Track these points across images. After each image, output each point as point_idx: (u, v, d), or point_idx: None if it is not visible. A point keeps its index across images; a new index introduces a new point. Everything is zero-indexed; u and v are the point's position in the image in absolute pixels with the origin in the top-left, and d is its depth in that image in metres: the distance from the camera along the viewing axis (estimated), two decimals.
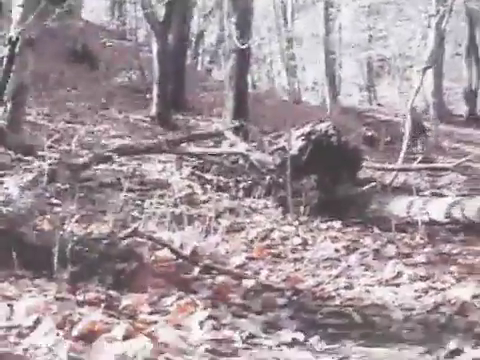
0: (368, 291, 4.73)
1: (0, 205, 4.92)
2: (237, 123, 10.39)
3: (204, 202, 7.19)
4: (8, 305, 3.49)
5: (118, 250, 4.49)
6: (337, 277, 5.05)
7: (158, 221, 5.97)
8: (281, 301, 4.35)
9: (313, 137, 7.55)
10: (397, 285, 4.90)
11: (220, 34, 22.96)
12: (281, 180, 7.40)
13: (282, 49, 22.02)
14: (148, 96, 15.42)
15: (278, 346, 3.56)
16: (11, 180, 5.92)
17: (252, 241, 6.07)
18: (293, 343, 3.62)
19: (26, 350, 3.03)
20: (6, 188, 5.64)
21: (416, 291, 4.72)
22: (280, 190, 7.39)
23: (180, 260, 4.90)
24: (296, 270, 5.26)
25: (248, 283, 4.56)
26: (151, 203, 6.81)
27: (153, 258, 4.85)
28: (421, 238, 6.35)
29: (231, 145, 9.24)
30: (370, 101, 30.89)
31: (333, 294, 4.63)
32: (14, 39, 8.82)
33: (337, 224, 6.78)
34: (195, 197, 7.40)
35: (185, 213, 6.16)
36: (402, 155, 10.62)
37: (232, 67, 14.00)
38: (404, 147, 11.02)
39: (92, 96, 15.13)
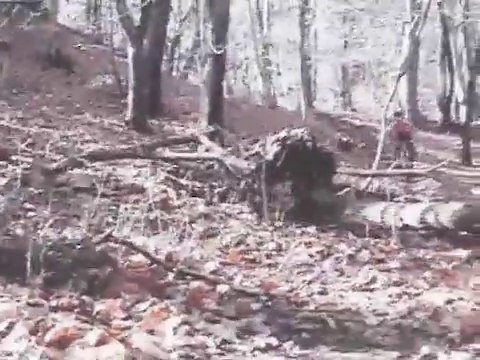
0: (342, 296, 4.75)
1: None
2: (212, 128, 10.39)
3: (179, 207, 7.17)
4: None
5: (92, 255, 4.45)
6: (311, 282, 5.06)
7: (132, 226, 5.94)
8: (255, 306, 4.35)
9: (288, 142, 7.55)
10: (371, 290, 4.91)
11: (196, 39, 22.94)
12: (256, 185, 7.40)
13: (258, 55, 22.05)
14: (123, 101, 15.37)
15: (252, 351, 3.56)
16: None
17: (227, 246, 6.06)
18: (267, 348, 3.63)
19: None
20: None
21: (390, 296, 4.74)
22: (255, 195, 7.39)
23: (154, 265, 4.88)
24: (270, 275, 5.26)
25: (222, 288, 4.55)
26: (126, 208, 6.78)
27: (127, 263, 4.84)
28: (395, 244, 6.38)
29: (206, 150, 9.24)
30: (345, 107, 31.04)
31: (307, 299, 4.63)
32: None
33: (312, 229, 6.79)
34: (170, 202, 7.37)
35: (160, 218, 6.14)
36: (377, 161, 10.67)
37: (208, 72, 13.99)
38: (379, 152, 11.07)
39: (67, 100, 15.06)
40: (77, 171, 7.88)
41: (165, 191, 7.74)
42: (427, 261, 5.85)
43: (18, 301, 3.71)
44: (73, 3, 27.77)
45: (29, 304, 3.68)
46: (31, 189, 6.40)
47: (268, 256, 5.82)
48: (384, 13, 25.10)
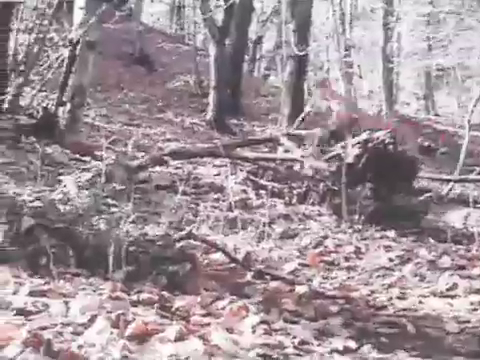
0: (422, 302, 4.68)
1: (58, 203, 5.00)
2: (293, 129, 10.36)
3: (258, 207, 7.19)
4: (64, 302, 3.54)
5: (172, 252, 4.51)
6: (390, 287, 5.01)
7: (212, 225, 6.00)
8: (334, 309, 4.33)
9: (369, 145, 7.50)
10: (452, 297, 4.83)
11: (278, 40, 22.95)
12: (336, 187, 7.36)
13: (340, 56, 21.88)
14: (204, 100, 15.51)
15: (330, 353, 3.54)
16: (69, 179, 6.00)
17: (305, 248, 6.06)
18: (345, 351, 3.60)
19: (81, 347, 3.06)
20: (64, 187, 5.73)
21: (471, 304, 4.65)
22: (335, 197, 7.36)
23: (233, 264, 4.91)
24: (349, 278, 5.23)
25: (301, 289, 4.54)
26: (205, 206, 6.85)
27: (206, 261, 4.88)
28: (477, 250, 6.26)
29: (286, 151, 9.23)
30: (428, 111, 30.57)
31: (386, 303, 4.59)
32: (75, 41, 8.95)
33: (391, 233, 6.72)
34: (249, 202, 7.40)
35: (239, 217, 6.17)
36: (460, 166, 10.48)
37: (289, 73, 14.01)
38: (462, 158, 10.86)
39: (149, 99, 15.28)
40: (158, 169, 7.99)
41: (244, 191, 7.77)
42: None
43: (100, 294, 3.77)
44: (157, 3, 28.10)
45: (111, 298, 3.75)
46: (113, 185, 6.51)
47: (347, 259, 5.79)
48: (470, 16, 24.64)
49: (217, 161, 9.05)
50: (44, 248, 4.12)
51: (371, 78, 28.10)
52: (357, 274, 5.34)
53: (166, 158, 8.17)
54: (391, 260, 5.78)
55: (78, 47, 8.90)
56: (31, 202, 4.94)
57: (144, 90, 15.89)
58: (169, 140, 11.41)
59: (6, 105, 8.26)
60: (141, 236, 4.76)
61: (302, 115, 11.03)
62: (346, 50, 25.42)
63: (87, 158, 7.70)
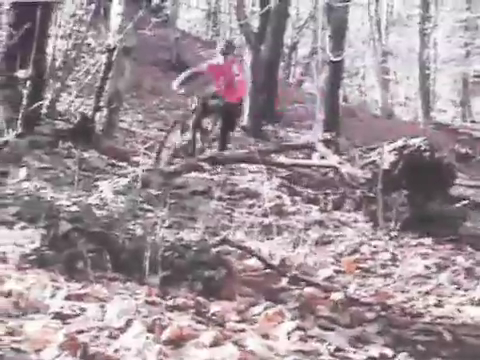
0: (459, 310, 4.63)
1: (95, 208, 5.04)
2: (328, 136, 10.34)
3: (293, 213, 7.18)
4: (100, 306, 3.56)
5: (208, 257, 4.51)
6: (427, 294, 4.96)
7: (247, 230, 5.99)
8: (370, 316, 4.30)
9: (405, 152, 7.45)
10: None
11: (313, 46, 22.93)
12: (371, 194, 7.33)
13: (376, 63, 21.83)
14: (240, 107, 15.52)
15: None
16: (105, 184, 6.05)
17: (341, 254, 6.03)
18: (381, 358, 3.58)
19: (117, 351, 3.08)
20: (101, 192, 5.78)
21: None
22: (370, 204, 7.32)
23: (268, 270, 4.90)
24: (385, 285, 5.19)
25: (336, 296, 4.52)
26: (241, 212, 6.86)
27: (241, 267, 4.87)
28: None
29: (321, 157, 9.22)
30: (464, 117, 30.32)
31: (423, 311, 4.55)
32: (112, 47, 9.03)
33: (428, 241, 6.67)
34: (284, 208, 7.39)
35: (274, 224, 6.16)
36: None
37: (325, 80, 13.99)
38: None
39: (185, 104, 15.32)
40: (194, 174, 8.01)
41: (280, 197, 7.76)
42: None
43: (136, 299, 3.79)
44: (193, 9, 28.23)
45: (147, 302, 3.76)
46: (150, 190, 6.54)
47: (383, 266, 5.75)
48: None
49: (252, 167, 9.05)
50: (81, 252, 4.15)
51: (407, 85, 27.95)
52: (393, 281, 5.30)
53: (202, 164, 8.20)
54: (428, 267, 5.73)
55: (115, 53, 8.98)
56: (68, 207, 4.98)
57: (179, 96, 15.92)
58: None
59: (44, 110, 8.34)
60: (177, 241, 4.78)
61: None
62: (382, 56, 25.34)
63: (123, 163, 7.76)
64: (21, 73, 7.63)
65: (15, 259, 4.12)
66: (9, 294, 3.52)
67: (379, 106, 25.64)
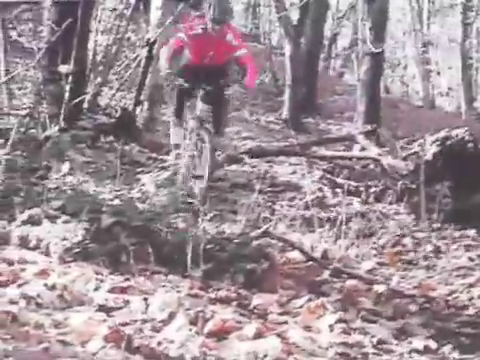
0: None
1: (137, 202, 5.07)
2: (369, 127, 10.28)
3: (334, 206, 7.15)
4: (144, 299, 3.58)
5: (249, 250, 4.52)
6: (471, 286, 4.91)
7: (288, 223, 5.99)
8: (413, 308, 4.28)
9: (448, 143, 7.38)
10: None
11: (353, 38, 22.78)
12: (414, 186, 7.27)
13: (417, 53, 21.64)
14: (280, 99, 15.51)
15: (409, 353, 3.50)
16: (147, 178, 6.09)
17: (383, 247, 6.00)
18: (425, 351, 3.55)
19: (160, 343, 3.10)
20: (142, 185, 5.82)
21: None
22: (412, 196, 7.26)
23: (310, 262, 4.89)
24: (428, 277, 5.15)
25: (379, 288, 4.50)
26: (282, 205, 6.85)
27: (283, 259, 4.87)
28: None
29: (362, 149, 9.17)
30: None
31: (467, 303, 4.51)
32: (152, 41, 9.07)
33: (471, 232, 6.59)
34: (325, 200, 7.37)
35: (315, 216, 6.14)
36: None
37: (365, 71, 13.88)
38: None
39: None
40: (234, 167, 8.03)
41: (321, 189, 7.74)
42: None
43: (179, 292, 3.81)
44: (233, 2, 28.23)
45: (189, 295, 3.78)
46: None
47: (426, 258, 5.71)
48: None
49: (293, 160, 9.04)
50: (124, 246, 4.19)
51: (450, 75, 27.66)
52: (436, 273, 5.26)
53: (242, 156, 8.21)
54: (471, 259, 5.67)
55: (155, 47, 9.01)
56: (111, 200, 5.02)
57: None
58: (245, 139, 11.45)
59: (86, 105, 8.42)
60: (218, 234, 4.80)
61: None
62: (423, 47, 25.11)
63: (165, 157, 7.79)
64: (63, 68, 7.71)
65: (59, 252, 4.17)
66: (54, 287, 3.56)
67: (421, 97, 25.42)
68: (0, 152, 5.42)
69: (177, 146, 7.35)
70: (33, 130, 7.13)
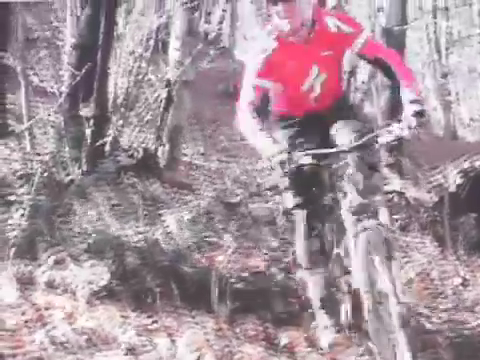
0: None
1: (161, 241, 5.08)
2: (391, 158, 10.24)
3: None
4: (171, 340, 3.57)
5: (275, 286, 4.50)
6: None
7: None
8: (442, 341, 4.22)
9: (472, 174, 7.34)
10: None
11: (372, 70, 22.84)
12: (438, 217, 7.22)
13: (437, 84, 21.61)
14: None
15: None
16: (170, 216, 6.09)
17: (410, 280, 5.94)
18: None
19: None
20: (166, 225, 5.82)
21: None
22: (437, 228, 7.21)
23: None
24: (457, 310, 5.09)
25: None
26: None
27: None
28: None
29: (385, 180, 9.13)
30: None
31: None
32: (172, 81, 9.13)
33: None
34: None
35: None
36: None
37: (386, 103, 13.89)
38: None
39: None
40: (258, 204, 8.01)
41: None
42: None
43: (205, 330, 3.79)
44: (251, 40, 28.44)
45: (216, 333, 3.76)
46: (214, 221, 6.57)
47: (453, 290, 5.64)
48: None
49: None
50: (149, 285, 4.18)
51: (471, 105, 27.61)
52: (465, 306, 5.20)
53: (265, 193, 8.21)
54: None
55: (175, 87, 9.07)
56: (135, 241, 5.03)
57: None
58: (269, 175, 11.44)
59: (108, 147, 8.47)
60: (243, 271, 4.78)
61: None
62: (443, 77, 25.10)
63: (187, 196, 7.80)
64: (84, 111, 7.77)
65: (85, 296, 4.17)
66: (81, 330, 3.56)
67: (442, 127, 25.36)
68: (24, 196, 5.45)
69: None
70: (56, 173, 7.17)
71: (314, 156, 3.79)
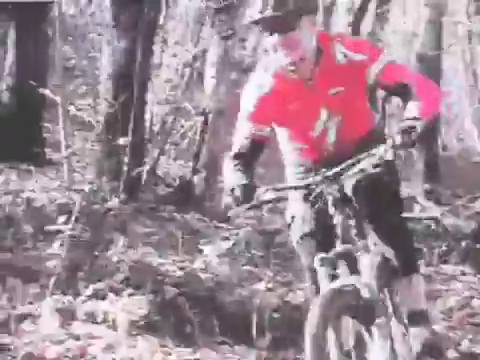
0: None
1: (199, 272, 5.07)
2: (428, 186, 10.18)
3: None
4: None
5: None
6: None
7: None
8: None
9: None
10: None
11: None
12: (478, 245, 7.15)
13: (473, 109, 21.49)
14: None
15: None
16: (209, 247, 6.09)
17: (450, 309, 5.86)
18: None
19: None
20: (204, 255, 5.83)
21: None
22: (477, 256, 7.13)
23: None
24: None
25: (449, 354, 4.39)
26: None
27: None
28: None
29: (423, 209, 9.07)
30: None
31: None
32: (207, 110, 9.18)
33: None
34: None
35: None
36: None
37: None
38: None
39: (279, 162, 15.39)
40: None
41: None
42: None
43: None
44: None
45: None
46: (253, 252, 6.56)
47: None
48: None
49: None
50: (188, 317, 4.18)
51: None
52: None
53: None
54: None
55: (210, 115, 9.12)
56: (173, 272, 5.04)
57: (273, 153, 16.03)
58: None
59: (145, 176, 8.51)
60: (283, 302, 4.76)
61: None
62: (479, 101, 24.93)
63: (225, 225, 7.80)
64: (122, 141, 7.83)
65: (125, 326, 4.18)
66: None
67: (479, 153, 25.15)
68: (64, 227, 5.48)
69: None
70: (95, 204, 7.21)
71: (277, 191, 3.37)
